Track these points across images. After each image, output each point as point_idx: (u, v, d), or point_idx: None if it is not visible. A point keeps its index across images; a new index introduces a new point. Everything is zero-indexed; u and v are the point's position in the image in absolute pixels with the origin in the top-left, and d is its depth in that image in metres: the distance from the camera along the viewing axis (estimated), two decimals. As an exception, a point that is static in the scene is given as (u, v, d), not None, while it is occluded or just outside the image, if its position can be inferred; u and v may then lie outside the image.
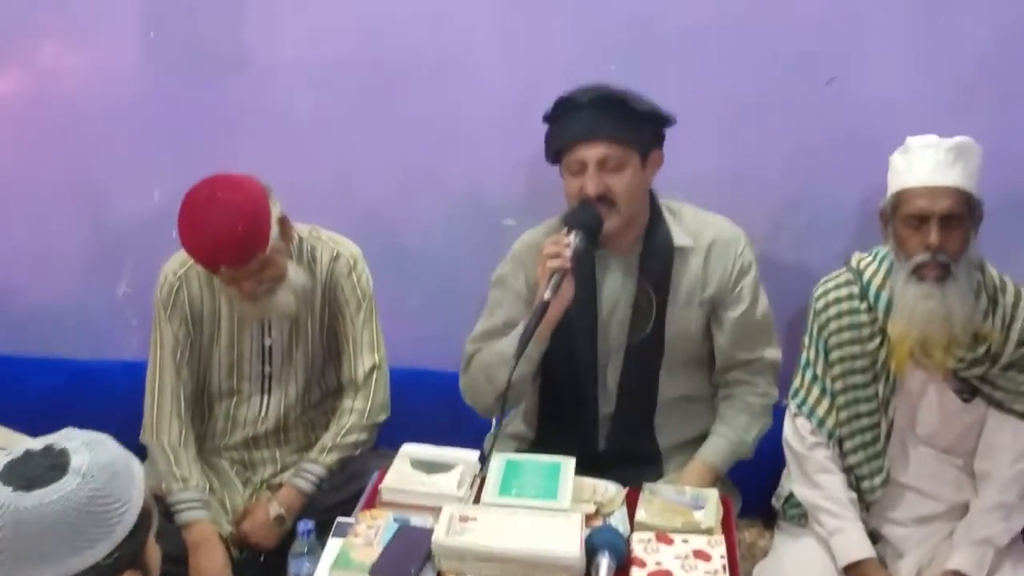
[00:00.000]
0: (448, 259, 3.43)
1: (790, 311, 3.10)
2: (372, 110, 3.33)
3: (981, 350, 2.47)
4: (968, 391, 2.55)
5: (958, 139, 2.41)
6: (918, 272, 2.41)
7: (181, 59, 3.40)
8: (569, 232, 2.52)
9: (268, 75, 3.36)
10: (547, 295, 2.45)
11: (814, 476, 2.62)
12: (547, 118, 2.67)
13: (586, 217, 2.55)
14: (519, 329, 2.53)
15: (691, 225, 2.73)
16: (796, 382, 2.69)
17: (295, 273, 2.73)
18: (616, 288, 2.70)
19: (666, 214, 2.72)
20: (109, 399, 3.44)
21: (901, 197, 2.43)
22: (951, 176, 2.38)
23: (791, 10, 3.08)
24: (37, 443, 1.61)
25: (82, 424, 3.01)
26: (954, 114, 3.05)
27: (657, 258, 2.68)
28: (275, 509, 2.72)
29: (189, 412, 2.85)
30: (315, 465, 2.79)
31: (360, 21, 3.28)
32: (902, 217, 2.43)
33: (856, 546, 2.53)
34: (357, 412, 2.86)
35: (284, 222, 2.66)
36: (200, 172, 3.38)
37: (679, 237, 2.69)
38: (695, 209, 2.79)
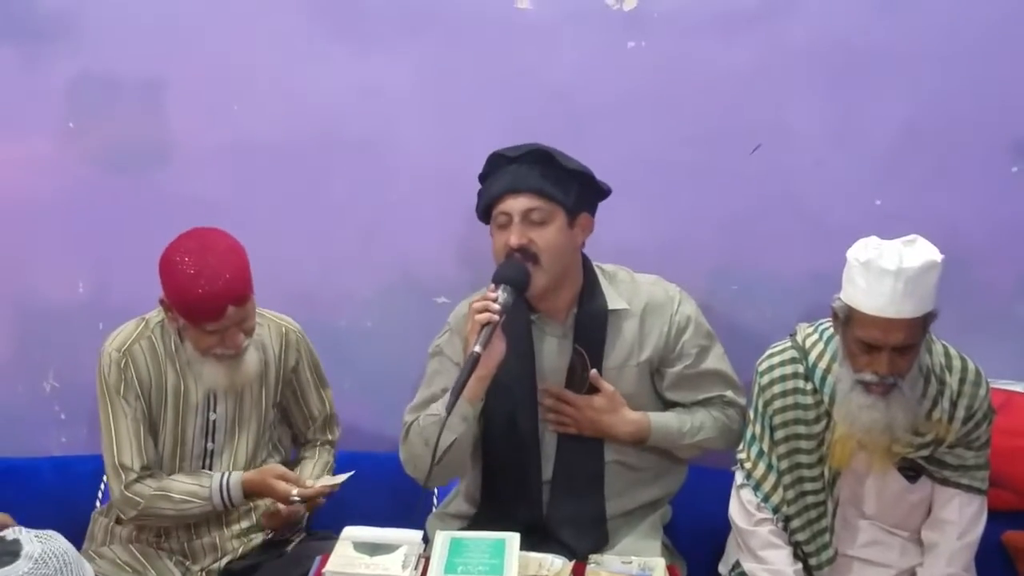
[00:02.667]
0: (383, 339, 3.41)
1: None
2: (299, 191, 3.33)
3: (928, 438, 2.49)
4: (914, 470, 2.56)
5: (922, 261, 2.29)
6: (864, 385, 2.39)
7: (102, 149, 3.37)
8: (497, 288, 2.54)
9: (191, 162, 3.35)
10: (477, 348, 2.46)
11: (759, 552, 2.61)
12: (481, 177, 2.71)
13: (512, 271, 2.57)
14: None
15: (626, 288, 2.76)
16: (742, 454, 2.68)
17: (257, 332, 2.77)
18: (552, 353, 2.71)
19: (601, 278, 2.75)
20: (37, 496, 3.36)
21: (854, 316, 2.35)
22: (908, 308, 2.28)
23: (715, 81, 3.15)
24: None
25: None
26: (880, 183, 3.14)
27: (591, 321, 2.70)
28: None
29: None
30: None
31: (282, 103, 3.30)
32: (853, 336, 2.37)
33: None
34: (328, 452, 3.04)
35: None
36: (126, 263, 3.39)
37: (613, 300, 2.71)
38: (631, 272, 2.82)
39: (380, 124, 3.27)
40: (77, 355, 3.48)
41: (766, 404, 2.60)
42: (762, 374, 2.62)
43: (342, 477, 2.74)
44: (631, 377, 2.73)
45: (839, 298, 2.40)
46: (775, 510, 2.61)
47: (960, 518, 2.55)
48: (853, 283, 2.35)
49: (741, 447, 2.70)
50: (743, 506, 2.65)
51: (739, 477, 2.68)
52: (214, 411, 2.83)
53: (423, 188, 3.29)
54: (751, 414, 2.67)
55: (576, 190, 2.63)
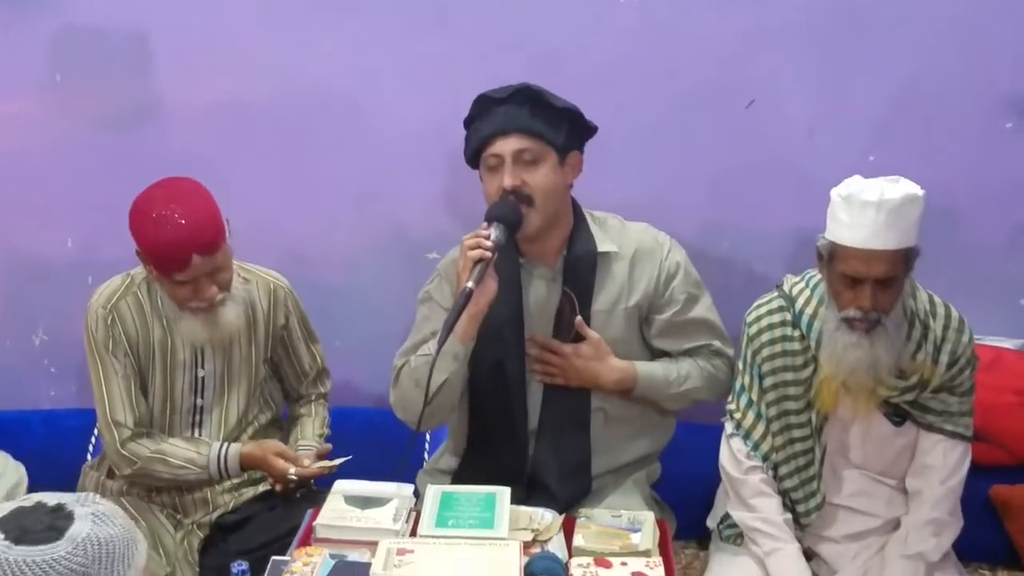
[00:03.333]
0: (374, 296, 3.41)
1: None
2: (288, 148, 3.32)
3: (912, 381, 2.51)
4: (899, 415, 2.58)
5: (903, 193, 2.32)
6: (848, 322, 2.42)
7: (90, 104, 3.36)
8: (489, 226, 2.53)
9: (179, 118, 3.34)
10: (470, 284, 2.45)
11: (750, 500, 2.63)
12: (467, 122, 2.69)
13: (504, 210, 2.56)
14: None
15: (616, 233, 2.75)
16: (731, 405, 2.70)
17: (237, 286, 2.75)
18: (541, 296, 2.69)
19: (591, 222, 2.74)
20: (27, 450, 3.37)
21: (837, 251, 2.39)
22: (891, 239, 2.32)
23: (707, 39, 3.13)
24: (54, 497, 1.56)
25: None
26: (872, 140, 3.13)
27: (580, 264, 2.69)
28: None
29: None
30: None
31: (270, 59, 3.28)
32: (837, 272, 2.40)
33: (792, 567, 2.54)
34: (323, 406, 3.06)
35: (227, 222, 2.68)
36: (114, 219, 3.34)
37: (603, 243, 2.71)
38: (620, 219, 2.81)
39: (368, 81, 3.26)
40: (66, 310, 3.47)
41: (754, 354, 2.62)
42: (750, 324, 2.65)
43: (339, 461, 2.74)
44: (619, 322, 2.72)
45: (823, 236, 2.44)
46: (764, 459, 2.63)
47: (944, 463, 2.57)
48: (836, 219, 2.39)
49: (731, 398, 2.71)
50: (733, 455, 2.67)
51: (729, 427, 2.70)
52: (202, 368, 2.82)
53: (412, 145, 3.28)
54: (740, 365, 2.69)
55: (566, 128, 2.61)
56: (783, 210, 3.22)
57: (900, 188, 2.34)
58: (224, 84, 3.31)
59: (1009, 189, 3.16)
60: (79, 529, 1.50)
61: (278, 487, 2.80)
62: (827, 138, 3.16)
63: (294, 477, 2.71)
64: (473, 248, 2.49)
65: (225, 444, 2.79)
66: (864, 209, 2.32)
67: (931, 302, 2.55)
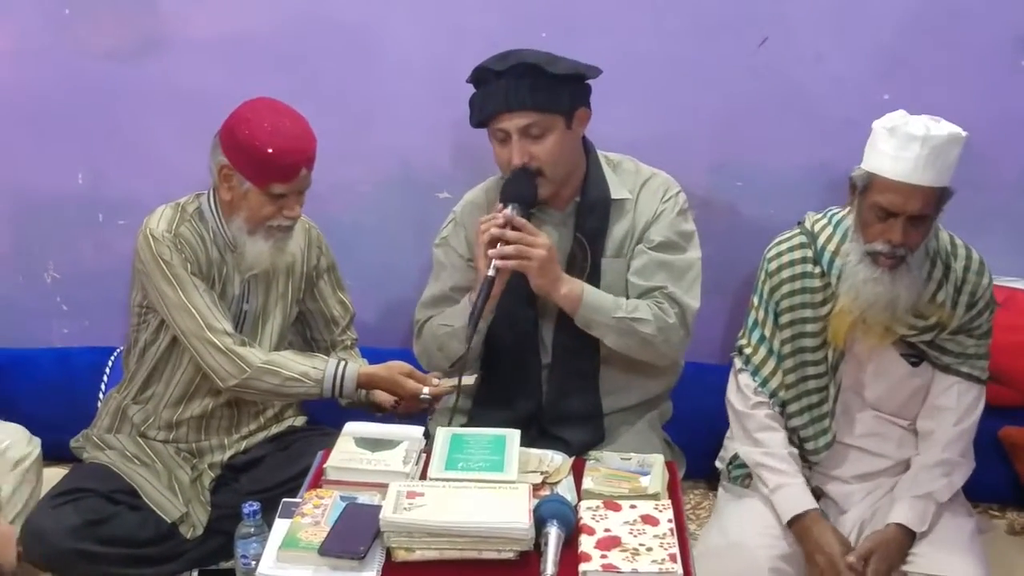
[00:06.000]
0: (383, 235, 3.41)
1: (724, 276, 3.12)
2: (292, 83, 3.26)
3: (931, 321, 2.50)
4: (916, 355, 2.58)
5: (948, 131, 2.33)
6: (873, 256, 2.41)
7: (98, 37, 3.32)
8: (505, 206, 2.53)
9: (185, 52, 3.31)
10: (491, 272, 2.47)
11: (756, 434, 2.64)
12: (471, 83, 2.65)
13: (520, 188, 2.56)
14: (466, 302, 2.59)
15: (629, 177, 2.73)
16: (743, 340, 2.70)
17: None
18: (552, 241, 2.63)
19: (605, 167, 2.72)
20: (39, 388, 3.39)
21: (874, 182, 2.38)
22: (929, 176, 2.33)
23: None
24: None
25: (13, 415, 2.99)
26: (882, 76, 3.09)
27: (593, 210, 2.67)
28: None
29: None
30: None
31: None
32: (871, 203, 2.40)
33: (798, 500, 2.55)
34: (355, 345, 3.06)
35: None
36: (123, 153, 3.36)
37: (616, 190, 2.69)
38: (636, 162, 2.78)
39: (374, 11, 3.22)
40: (77, 246, 3.49)
41: (773, 290, 2.62)
42: (770, 260, 2.65)
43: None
44: (626, 265, 2.71)
45: (859, 167, 2.43)
46: (772, 395, 2.64)
47: (958, 405, 2.58)
48: (877, 150, 2.39)
49: (741, 333, 2.72)
50: (740, 389, 2.68)
51: (738, 362, 2.71)
52: (247, 302, 2.82)
53: (418, 78, 3.25)
54: (755, 300, 2.69)
55: (569, 92, 2.58)
56: (795, 145, 3.19)
57: (944, 126, 2.35)
58: (231, 15, 3.27)
59: (1020, 126, 3.12)
60: None
61: (400, 407, 2.81)
62: (838, 69, 3.12)
63: (427, 395, 2.70)
64: (488, 235, 2.49)
65: (343, 362, 2.76)
66: (909, 143, 2.32)
67: (952, 243, 2.55)
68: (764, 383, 2.65)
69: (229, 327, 2.69)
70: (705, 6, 3.11)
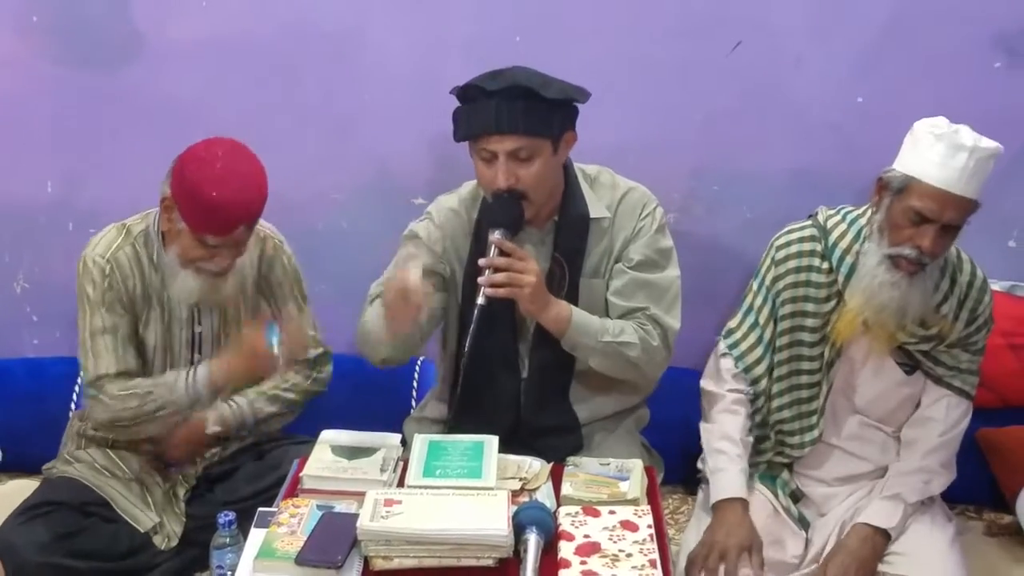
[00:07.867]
0: (359, 240, 3.38)
1: (703, 281, 3.10)
2: (270, 89, 3.27)
3: (932, 331, 2.52)
4: (910, 364, 2.59)
5: (994, 145, 2.37)
6: (894, 260, 2.41)
7: (69, 44, 3.30)
8: (493, 232, 2.51)
9: (160, 58, 3.28)
10: (481, 300, 2.47)
11: (716, 415, 2.65)
12: (455, 96, 2.60)
13: (507, 213, 2.53)
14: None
15: (607, 193, 2.71)
16: (732, 324, 2.70)
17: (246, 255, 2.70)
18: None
19: (583, 184, 2.69)
20: (11, 399, 3.36)
21: (913, 186, 2.37)
22: (972, 187, 2.34)
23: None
24: None
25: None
26: (861, 78, 3.10)
27: (571, 230, 2.65)
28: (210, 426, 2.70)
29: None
30: (243, 400, 2.77)
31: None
32: (905, 206, 2.38)
33: (731, 485, 2.54)
34: (303, 375, 2.85)
35: None
36: (95, 163, 3.33)
37: (594, 207, 2.67)
38: (613, 174, 2.76)
39: (354, 19, 3.20)
40: (47, 256, 3.46)
41: (776, 279, 2.62)
42: (778, 248, 2.64)
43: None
44: (604, 285, 2.69)
45: (894, 169, 2.42)
46: (755, 382, 2.64)
47: (945, 418, 2.60)
48: (920, 154, 2.38)
49: (733, 316, 2.71)
50: (719, 372, 2.69)
51: (722, 346, 2.70)
52: (199, 324, 2.77)
53: (397, 86, 3.23)
54: (754, 285, 2.69)
55: (559, 117, 2.54)
56: (774, 148, 3.19)
57: (987, 140, 2.37)
58: (206, 21, 3.24)
59: (997, 129, 3.11)
60: None
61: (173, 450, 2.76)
62: (817, 71, 3.12)
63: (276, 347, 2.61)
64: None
65: (194, 367, 2.70)
66: (957, 151, 2.33)
67: (959, 256, 2.57)
68: (748, 370, 2.65)
69: (115, 368, 2.65)
70: (682, 10, 3.11)
